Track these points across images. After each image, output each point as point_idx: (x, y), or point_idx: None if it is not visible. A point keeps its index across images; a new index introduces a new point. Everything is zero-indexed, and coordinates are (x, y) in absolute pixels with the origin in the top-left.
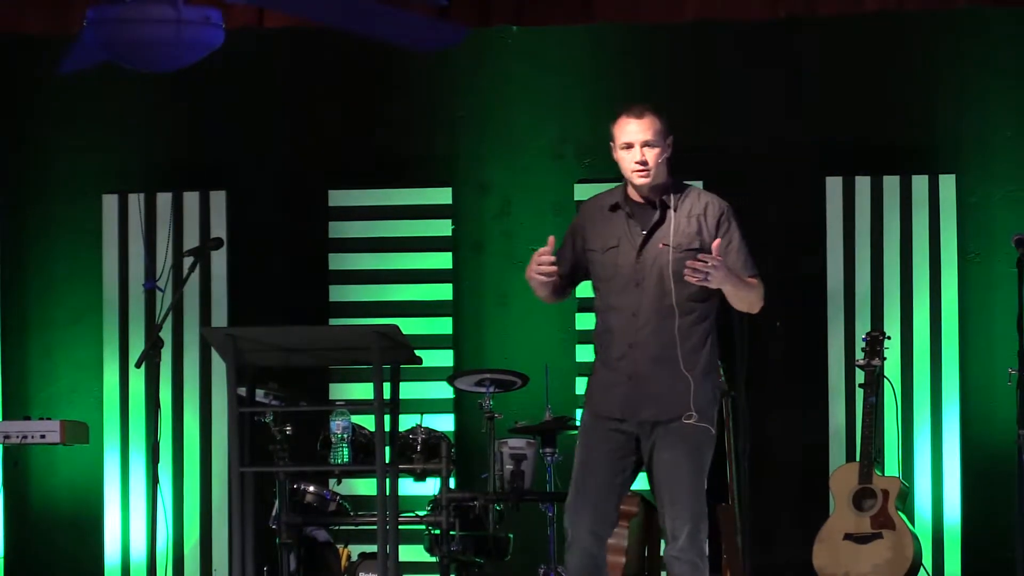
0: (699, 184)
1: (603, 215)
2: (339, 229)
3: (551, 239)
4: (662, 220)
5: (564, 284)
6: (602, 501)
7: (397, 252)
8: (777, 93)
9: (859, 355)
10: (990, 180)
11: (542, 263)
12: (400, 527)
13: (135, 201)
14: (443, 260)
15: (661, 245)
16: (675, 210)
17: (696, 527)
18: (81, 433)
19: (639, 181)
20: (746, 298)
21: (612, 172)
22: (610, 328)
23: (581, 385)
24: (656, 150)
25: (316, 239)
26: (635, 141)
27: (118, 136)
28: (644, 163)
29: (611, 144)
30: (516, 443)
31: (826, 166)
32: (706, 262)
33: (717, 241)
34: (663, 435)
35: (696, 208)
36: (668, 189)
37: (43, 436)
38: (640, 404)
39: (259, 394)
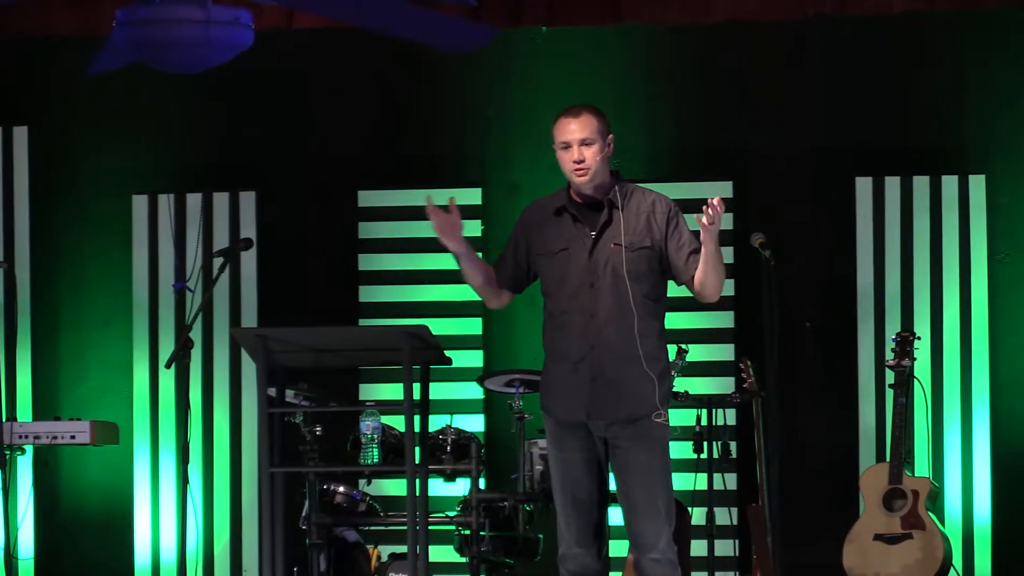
0: (728, 185)
1: (548, 219)
2: (369, 230)
3: (452, 200)
4: (610, 220)
5: (511, 289)
6: (593, 514)
7: (427, 253)
8: (806, 93)
9: (889, 355)
10: (1020, 180)
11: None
12: (430, 527)
13: (165, 202)
14: None
15: (612, 245)
16: (622, 209)
17: (670, 530)
18: (111, 434)
19: (578, 180)
20: (719, 273)
21: (643, 172)
22: (567, 331)
23: None
24: (594, 148)
25: (346, 240)
26: (572, 140)
27: (148, 137)
28: (581, 161)
29: (553, 147)
30: (546, 443)
31: (856, 166)
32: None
33: (718, 199)
34: (632, 436)
35: (643, 206)
36: (612, 188)
37: (73, 437)
38: (608, 405)
39: (289, 395)
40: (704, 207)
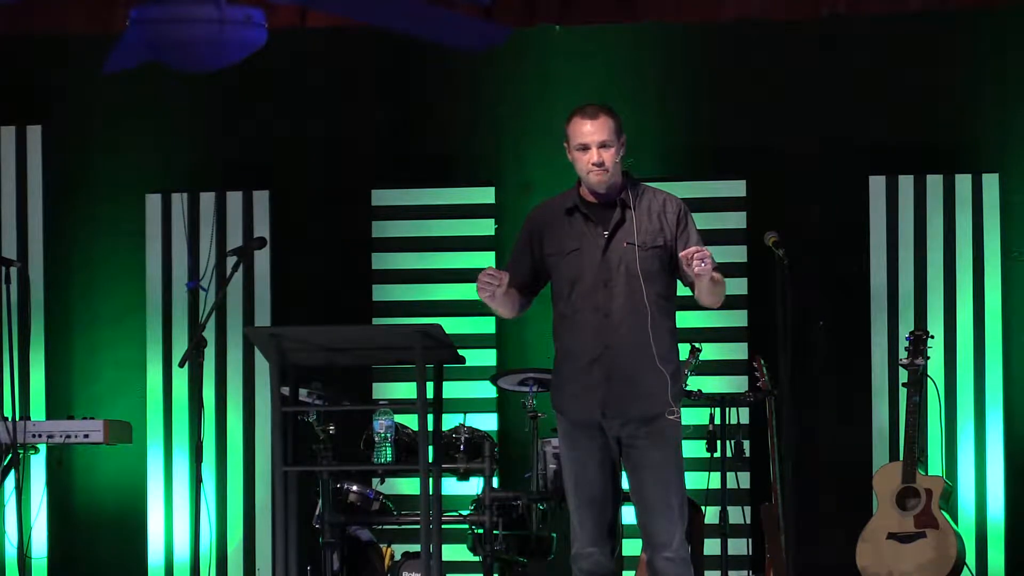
0: (741, 183)
1: (559, 219)
2: (382, 229)
3: (504, 278)
4: (623, 219)
5: (525, 295)
6: (606, 513)
7: (440, 252)
8: (820, 92)
9: (902, 354)
10: None
11: (489, 280)
12: (443, 526)
13: (178, 200)
14: (486, 260)
15: (625, 244)
16: (634, 208)
17: (684, 528)
18: (124, 433)
19: (596, 181)
20: (717, 291)
21: (656, 170)
22: (580, 330)
23: None
24: (611, 150)
25: (359, 239)
26: (590, 142)
27: (161, 136)
28: (600, 163)
29: (565, 145)
30: (558, 442)
31: (870, 165)
32: (696, 254)
33: (690, 250)
34: (647, 435)
35: (655, 205)
36: (623, 187)
37: (87, 436)
38: (623, 403)
39: (302, 393)
40: (687, 264)
